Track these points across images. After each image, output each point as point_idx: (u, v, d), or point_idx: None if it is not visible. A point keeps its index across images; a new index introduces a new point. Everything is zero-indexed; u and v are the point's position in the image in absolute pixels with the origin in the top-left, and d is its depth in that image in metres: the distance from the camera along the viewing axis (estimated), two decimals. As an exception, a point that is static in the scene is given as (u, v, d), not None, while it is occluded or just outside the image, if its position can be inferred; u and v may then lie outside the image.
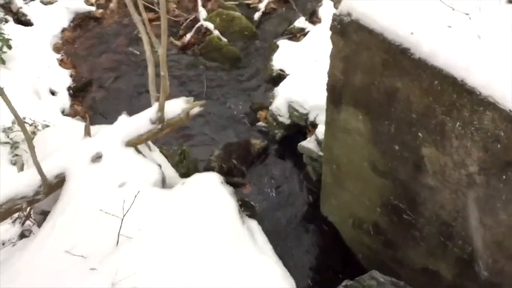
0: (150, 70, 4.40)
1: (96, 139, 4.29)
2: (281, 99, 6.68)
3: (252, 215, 6.03)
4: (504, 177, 3.30)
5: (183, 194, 3.82)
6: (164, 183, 4.17)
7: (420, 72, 3.41)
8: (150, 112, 4.39)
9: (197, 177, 4.07)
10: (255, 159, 6.61)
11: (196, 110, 4.52)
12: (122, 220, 3.37)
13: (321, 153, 5.64)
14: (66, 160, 4.08)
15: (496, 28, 3.37)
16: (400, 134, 3.89)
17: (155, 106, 4.37)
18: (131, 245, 3.36)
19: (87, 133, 4.34)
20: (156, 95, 4.45)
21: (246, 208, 6.13)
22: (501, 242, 3.63)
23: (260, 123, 7.13)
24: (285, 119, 6.70)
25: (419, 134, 3.71)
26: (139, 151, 4.39)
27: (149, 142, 4.87)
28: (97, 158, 4.10)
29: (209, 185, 3.89)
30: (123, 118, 4.46)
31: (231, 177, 6.35)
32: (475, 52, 3.23)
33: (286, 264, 5.50)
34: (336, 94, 4.27)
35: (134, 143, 4.34)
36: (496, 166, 3.32)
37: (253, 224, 4.02)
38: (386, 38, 3.51)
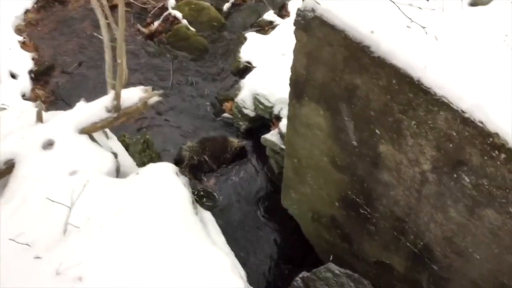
0: (107, 56, 4.33)
1: (48, 125, 4.20)
2: (247, 91, 6.68)
3: (213, 206, 6.12)
4: (455, 175, 3.40)
5: (136, 184, 3.80)
6: (118, 173, 4.13)
7: (379, 70, 3.47)
8: (106, 100, 4.33)
9: (152, 167, 4.04)
10: (229, 158, 6.55)
11: (154, 99, 4.48)
12: (70, 208, 3.32)
13: (283, 147, 5.62)
14: (16, 146, 3.99)
15: (454, 30, 3.45)
16: (359, 131, 3.95)
17: (111, 94, 4.30)
18: (79, 235, 3.32)
19: (39, 119, 4.23)
20: (112, 83, 4.39)
21: (208, 198, 6.19)
22: (451, 238, 3.74)
23: (226, 115, 7.12)
24: (250, 111, 6.70)
25: (377, 131, 3.78)
26: (93, 139, 4.33)
27: (107, 130, 4.81)
28: (48, 145, 4.03)
29: (163, 175, 3.88)
30: (80, 105, 4.38)
31: (200, 170, 6.37)
32: (432, 53, 3.30)
33: (245, 256, 5.67)
34: (299, 89, 4.29)
35: (88, 131, 4.28)
36: (448, 165, 3.41)
37: (207, 215, 4.03)
38: (348, 35, 3.55)
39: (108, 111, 4.30)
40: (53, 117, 4.29)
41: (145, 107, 4.45)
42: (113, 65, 4.31)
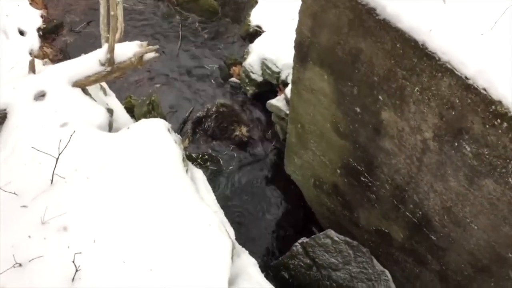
0: (102, 7, 4.28)
1: (40, 76, 4.17)
2: (255, 56, 6.64)
3: (217, 170, 6.16)
4: (456, 144, 3.35)
5: (125, 138, 3.81)
6: (111, 128, 4.13)
7: (384, 34, 3.39)
8: (100, 53, 4.28)
9: (143, 122, 4.04)
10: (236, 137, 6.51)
11: (150, 55, 4.43)
12: (57, 159, 3.32)
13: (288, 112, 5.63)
14: (7, 97, 3.97)
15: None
16: (362, 97, 3.90)
17: (105, 47, 4.25)
18: (65, 185, 3.34)
19: (32, 69, 4.21)
20: (106, 36, 4.34)
21: (212, 162, 6.22)
22: (450, 208, 3.72)
23: (233, 79, 7.10)
24: (257, 76, 6.69)
25: (380, 97, 3.72)
26: (86, 93, 4.32)
27: (106, 87, 4.81)
28: (40, 96, 4.00)
29: (154, 131, 3.88)
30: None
31: (206, 135, 6.38)
32: (438, 16, 3.21)
33: (246, 221, 5.74)
34: (303, 52, 4.24)
35: (81, 84, 4.26)
36: (449, 133, 3.36)
37: (198, 174, 4.04)
38: (353, -3, 3.46)
39: (102, 64, 4.27)
40: (46, 68, 4.27)
41: (140, 62, 4.40)
42: (109, 18, 4.26)
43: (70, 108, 3.98)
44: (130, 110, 6.11)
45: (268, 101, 6.10)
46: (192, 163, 5.15)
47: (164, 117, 6.32)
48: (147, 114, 6.04)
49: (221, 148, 6.37)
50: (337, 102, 4.21)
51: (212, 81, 7.13)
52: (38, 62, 4.45)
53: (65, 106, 3.99)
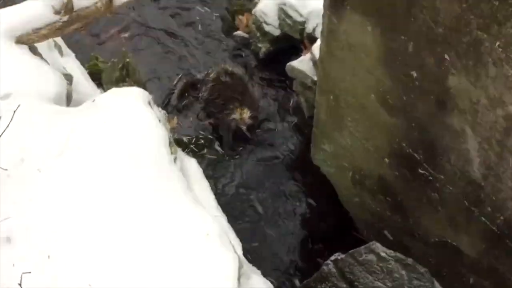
0: None
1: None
2: (270, 0, 6.65)
3: (218, 160, 6.20)
4: (553, 122, 3.32)
5: (90, 114, 3.83)
6: (70, 101, 4.18)
7: (452, -34, 3.37)
8: None
9: (114, 93, 4.11)
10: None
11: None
12: None
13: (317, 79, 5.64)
14: None
15: None
16: (420, 56, 3.87)
17: None
18: (8, 180, 3.34)
19: None
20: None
21: (211, 149, 6.27)
22: (544, 212, 3.70)
23: (239, 33, 7.14)
24: (273, 28, 6.70)
25: (446, 56, 3.69)
26: (35, 53, 4.32)
27: (61, 43, 4.87)
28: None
29: (129, 105, 3.91)
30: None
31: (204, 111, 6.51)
32: None
33: (260, 230, 5.77)
34: None
35: (28, 40, 4.27)
36: (544, 106, 3.33)
37: (191, 164, 4.12)
38: None
39: (56, 12, 4.28)
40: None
41: (109, 7, 4.42)
42: None
43: (12, 74, 3.95)
44: (96, 76, 6.13)
45: (289, 63, 6.09)
46: (183, 150, 5.15)
47: (143, 86, 6.30)
48: (120, 82, 6.04)
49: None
50: (384, 64, 4.19)
51: (210, 35, 7.17)
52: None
53: (5, 71, 3.94)
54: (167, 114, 4.57)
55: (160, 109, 4.24)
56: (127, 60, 6.22)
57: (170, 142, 3.88)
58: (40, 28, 4.27)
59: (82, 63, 5.90)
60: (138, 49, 6.95)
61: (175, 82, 6.71)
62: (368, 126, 4.72)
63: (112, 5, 4.40)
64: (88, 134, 3.71)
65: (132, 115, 3.88)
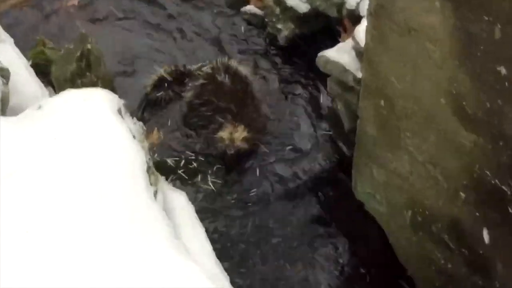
0: None
1: None
2: (295, -39, 6.80)
3: (217, 190, 6.17)
4: None
5: (33, 128, 3.82)
6: (5, 106, 4.26)
7: None
8: None
9: (68, 97, 4.12)
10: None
11: None
12: None
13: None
14: None
15: None
16: (512, 45, 3.86)
17: None
18: None
19: None
20: None
21: (205, 174, 6.23)
22: None
23: (249, 8, 7.34)
24: (299, 2, 6.77)
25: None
26: None
27: None
28: None
29: (90, 114, 3.95)
30: None
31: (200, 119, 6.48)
32: None
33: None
34: None
35: None
36: None
37: (178, 198, 4.16)
38: None
39: None
40: None
41: None
42: None
43: None
44: (43, 69, 6.20)
45: (321, 53, 6.04)
46: (167, 178, 5.21)
47: (110, 85, 6.39)
48: (77, 79, 6.13)
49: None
50: (460, 56, 4.15)
51: (208, 11, 7.36)
52: None
53: None
54: (144, 127, 4.58)
55: (134, 119, 4.28)
56: (88, 46, 6.24)
57: (148, 168, 3.91)
58: None
59: (24, 51, 5.86)
60: (104, 29, 7.09)
61: (155, 78, 6.73)
62: (436, 145, 4.67)
63: None
64: (29, 156, 3.67)
65: (94, 128, 3.88)
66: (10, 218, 3.41)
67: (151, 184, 3.80)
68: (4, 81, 4.40)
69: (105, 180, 3.64)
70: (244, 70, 6.59)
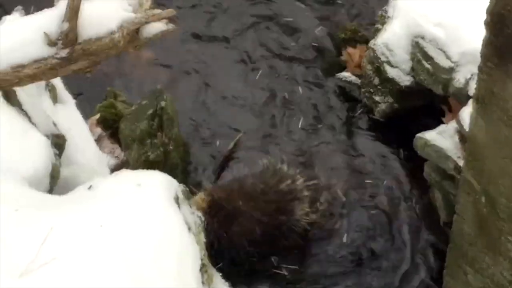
0: None
1: None
2: (400, 28, 6.67)
3: None
4: None
5: (80, 212, 3.82)
6: (54, 182, 4.23)
7: None
8: (51, 19, 4.33)
9: (121, 181, 4.14)
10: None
11: (156, 27, 4.41)
12: None
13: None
14: None
15: None
16: None
17: (62, 5, 4.26)
18: None
19: None
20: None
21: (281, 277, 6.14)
22: None
23: (345, 74, 7.25)
24: (401, 73, 6.69)
25: None
26: (12, 101, 4.44)
27: (58, 87, 4.93)
28: None
29: (143, 201, 3.94)
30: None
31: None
32: None
33: None
34: (506, 37, 4.18)
35: (2, 82, 4.33)
36: None
37: None
38: None
39: (51, 43, 4.26)
40: None
41: (132, 42, 4.40)
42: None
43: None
44: (111, 124, 6.37)
45: (420, 134, 5.99)
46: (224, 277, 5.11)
47: (182, 148, 6.55)
48: (146, 139, 6.17)
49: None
50: None
51: (299, 74, 7.28)
52: None
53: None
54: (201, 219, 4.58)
55: (193, 208, 4.23)
56: (162, 104, 6.27)
57: (203, 266, 3.87)
58: (23, 66, 4.25)
59: (92, 103, 6.04)
60: (181, 87, 7.08)
61: (230, 146, 6.63)
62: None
63: (140, 38, 4.40)
64: (72, 242, 3.62)
65: (145, 219, 3.85)
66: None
67: (202, 283, 3.78)
68: (57, 152, 4.42)
69: (151, 275, 3.61)
70: (297, 184, 6.38)
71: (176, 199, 4.01)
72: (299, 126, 6.90)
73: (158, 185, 3.99)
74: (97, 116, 6.36)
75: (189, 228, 3.91)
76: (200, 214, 4.46)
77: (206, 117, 6.93)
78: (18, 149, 4.04)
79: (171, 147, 6.25)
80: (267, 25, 7.68)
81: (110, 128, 6.34)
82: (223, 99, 7.09)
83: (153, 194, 3.93)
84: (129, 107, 6.42)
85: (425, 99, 6.60)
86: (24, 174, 3.95)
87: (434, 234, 6.30)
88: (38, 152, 4.08)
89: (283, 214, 6.23)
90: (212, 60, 7.36)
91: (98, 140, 6.23)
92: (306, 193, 6.29)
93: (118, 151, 6.40)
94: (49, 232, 3.63)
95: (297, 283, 6.28)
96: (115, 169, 5.70)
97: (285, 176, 6.31)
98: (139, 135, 6.12)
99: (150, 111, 6.21)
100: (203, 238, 4.04)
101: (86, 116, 6.04)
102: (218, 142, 6.77)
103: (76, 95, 6.23)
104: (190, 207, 4.36)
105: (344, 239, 6.39)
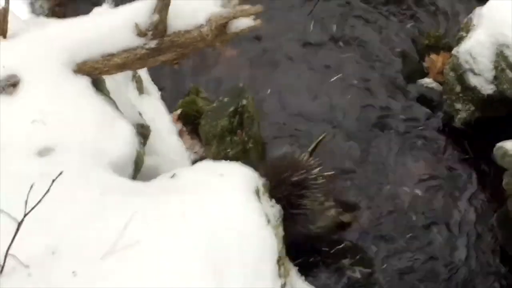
0: None
1: (15, 46, 4.43)
2: (484, 35, 6.61)
3: None
4: None
5: (162, 200, 3.86)
6: (138, 169, 4.32)
7: None
8: (140, 10, 4.48)
9: (204, 169, 4.21)
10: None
11: (245, 22, 4.53)
12: (19, 224, 3.32)
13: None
14: None
15: None
16: None
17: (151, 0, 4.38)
18: (28, 282, 3.35)
19: (1, 31, 4.50)
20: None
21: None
22: None
23: (427, 81, 7.23)
24: (483, 82, 6.61)
25: None
26: (101, 88, 4.55)
27: (144, 76, 5.13)
28: (7, 85, 4.24)
29: (224, 193, 3.98)
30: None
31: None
32: None
33: None
34: None
35: (93, 70, 4.46)
36: None
37: None
38: None
39: (141, 33, 4.43)
40: (29, 31, 4.50)
41: (221, 36, 4.51)
42: None
43: (61, 119, 4.10)
44: (192, 119, 6.48)
45: (500, 144, 5.95)
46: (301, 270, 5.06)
47: (261, 149, 6.60)
48: (226, 136, 6.25)
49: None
50: None
51: (381, 78, 7.32)
52: (14, 17, 4.69)
53: (52, 113, 4.11)
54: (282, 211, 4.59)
55: (273, 201, 4.30)
56: (243, 102, 6.36)
57: (280, 258, 3.89)
58: (113, 55, 4.43)
59: (175, 99, 6.18)
60: (263, 86, 7.08)
61: (311, 147, 6.55)
62: None
63: (227, 32, 4.49)
64: (154, 230, 3.71)
65: (226, 209, 3.89)
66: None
67: (279, 276, 3.82)
68: (142, 140, 4.56)
69: (229, 264, 3.67)
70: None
71: (257, 192, 4.06)
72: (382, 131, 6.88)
73: (240, 176, 4.08)
74: (179, 111, 6.44)
75: (269, 221, 3.93)
76: (280, 207, 4.47)
77: (286, 119, 6.91)
78: (107, 135, 4.13)
79: (250, 145, 6.29)
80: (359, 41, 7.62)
81: (191, 124, 6.44)
82: (304, 103, 7.06)
83: (235, 185, 4.00)
84: (210, 104, 6.46)
85: (508, 108, 6.51)
86: (111, 160, 4.05)
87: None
88: (125, 139, 4.20)
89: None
90: (295, 62, 7.34)
91: (178, 135, 6.35)
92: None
93: (197, 146, 6.45)
94: (132, 216, 3.68)
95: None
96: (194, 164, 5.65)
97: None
98: (219, 131, 6.16)
99: (231, 109, 6.24)
100: (281, 232, 4.08)
101: (167, 111, 6.21)
102: (295, 144, 6.70)
103: (159, 90, 6.48)
104: (270, 200, 4.41)
105: (418, 253, 6.20)
